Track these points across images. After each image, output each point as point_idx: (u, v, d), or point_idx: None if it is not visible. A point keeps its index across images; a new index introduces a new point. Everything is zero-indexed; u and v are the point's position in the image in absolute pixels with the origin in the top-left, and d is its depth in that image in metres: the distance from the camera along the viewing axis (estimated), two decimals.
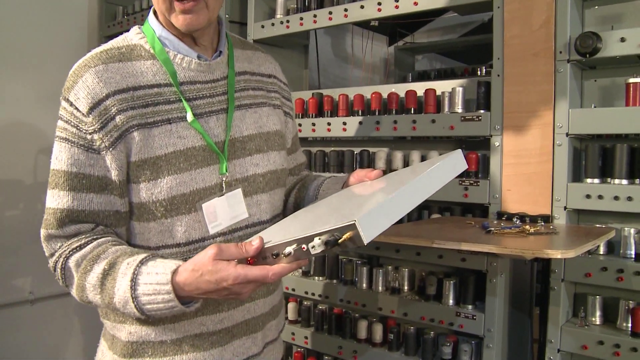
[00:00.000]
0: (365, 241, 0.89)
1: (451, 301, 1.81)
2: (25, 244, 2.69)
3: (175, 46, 1.26)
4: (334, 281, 2.10)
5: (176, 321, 1.24)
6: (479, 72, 3.98)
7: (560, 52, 1.59)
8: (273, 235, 1.10)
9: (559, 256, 1.16)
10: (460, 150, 1.26)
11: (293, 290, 2.16)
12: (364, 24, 3.66)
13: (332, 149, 2.15)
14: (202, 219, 1.22)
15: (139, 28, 1.29)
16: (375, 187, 1.25)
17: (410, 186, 1.06)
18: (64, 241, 1.19)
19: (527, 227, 1.44)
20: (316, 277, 2.15)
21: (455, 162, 1.23)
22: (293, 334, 2.16)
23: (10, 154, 2.71)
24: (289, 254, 0.99)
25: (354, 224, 0.88)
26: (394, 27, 3.87)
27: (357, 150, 2.09)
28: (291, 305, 2.20)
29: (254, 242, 1.05)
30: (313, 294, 2.12)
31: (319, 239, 0.94)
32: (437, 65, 4.90)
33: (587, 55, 1.53)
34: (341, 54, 4.03)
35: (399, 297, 1.91)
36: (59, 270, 1.18)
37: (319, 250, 0.94)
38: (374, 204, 0.98)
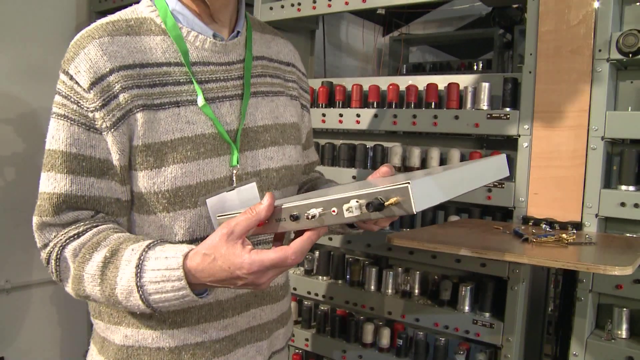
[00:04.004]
0: (415, 209, 0.77)
1: (467, 308, 1.72)
2: (2, 229, 2.53)
3: (189, 22, 1.13)
4: (339, 281, 2.00)
5: (176, 327, 1.12)
6: (475, 67, 3.92)
7: (600, 51, 1.50)
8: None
9: (616, 272, 1.07)
10: (504, 155, 1.16)
11: (294, 289, 2.05)
12: (363, 12, 3.56)
13: (343, 141, 2.03)
14: (208, 215, 1.10)
15: (151, 0, 1.16)
16: (408, 174, 1.15)
17: (459, 172, 0.95)
18: (59, 230, 1.06)
19: (564, 235, 1.35)
20: (320, 277, 2.04)
21: (498, 166, 1.13)
22: (293, 335, 2.05)
23: None
24: (314, 217, 0.86)
25: (407, 187, 0.77)
26: (390, 17, 3.77)
27: (369, 144, 1.98)
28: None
29: (264, 201, 0.92)
30: (316, 294, 2.01)
31: (357, 201, 0.81)
32: (429, 58, 4.82)
33: (630, 55, 1.44)
34: (334, 42, 3.91)
35: (410, 302, 1.81)
36: (53, 262, 1.05)
37: (355, 214, 0.82)
38: (425, 175, 0.86)
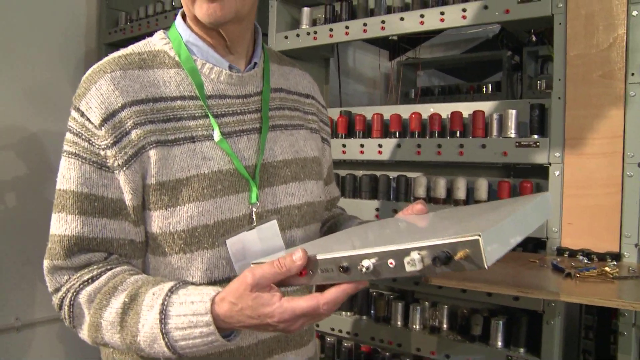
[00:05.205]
0: (487, 263, 0.70)
1: (499, 343, 1.65)
2: (11, 264, 2.47)
3: (204, 54, 1.08)
4: (364, 317, 1.93)
5: None
6: (484, 89, 3.88)
7: (633, 74, 1.45)
8: (321, 249, 0.89)
9: None
10: (548, 194, 1.09)
11: (317, 325, 1.98)
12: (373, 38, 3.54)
13: (364, 172, 1.98)
14: (226, 256, 1.04)
15: (164, 33, 1.12)
16: (456, 216, 1.07)
17: (517, 216, 0.86)
18: (72, 273, 1.00)
19: (607, 269, 1.29)
20: (343, 313, 1.96)
21: (543, 207, 1.05)
22: None
23: None
24: (368, 268, 0.78)
25: (478, 240, 0.69)
26: (396, 41, 3.74)
27: (392, 174, 1.92)
28: None
29: (295, 256, 0.85)
30: (340, 331, 1.94)
31: (419, 253, 0.74)
32: (435, 81, 4.79)
33: None
34: (342, 68, 3.88)
35: (439, 337, 1.74)
36: (66, 307, 0.99)
37: (417, 267, 0.74)
38: (491, 223, 0.77)
